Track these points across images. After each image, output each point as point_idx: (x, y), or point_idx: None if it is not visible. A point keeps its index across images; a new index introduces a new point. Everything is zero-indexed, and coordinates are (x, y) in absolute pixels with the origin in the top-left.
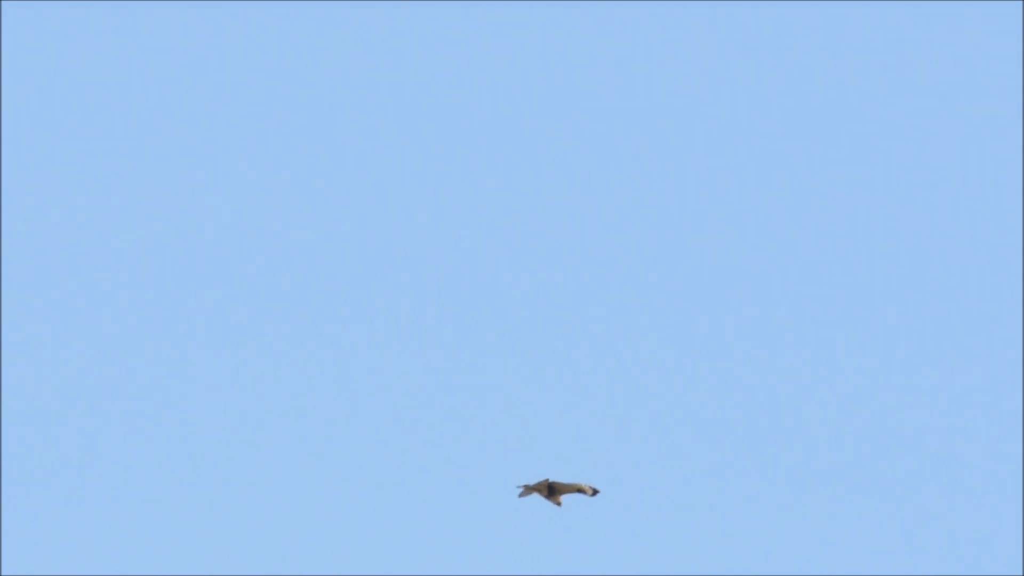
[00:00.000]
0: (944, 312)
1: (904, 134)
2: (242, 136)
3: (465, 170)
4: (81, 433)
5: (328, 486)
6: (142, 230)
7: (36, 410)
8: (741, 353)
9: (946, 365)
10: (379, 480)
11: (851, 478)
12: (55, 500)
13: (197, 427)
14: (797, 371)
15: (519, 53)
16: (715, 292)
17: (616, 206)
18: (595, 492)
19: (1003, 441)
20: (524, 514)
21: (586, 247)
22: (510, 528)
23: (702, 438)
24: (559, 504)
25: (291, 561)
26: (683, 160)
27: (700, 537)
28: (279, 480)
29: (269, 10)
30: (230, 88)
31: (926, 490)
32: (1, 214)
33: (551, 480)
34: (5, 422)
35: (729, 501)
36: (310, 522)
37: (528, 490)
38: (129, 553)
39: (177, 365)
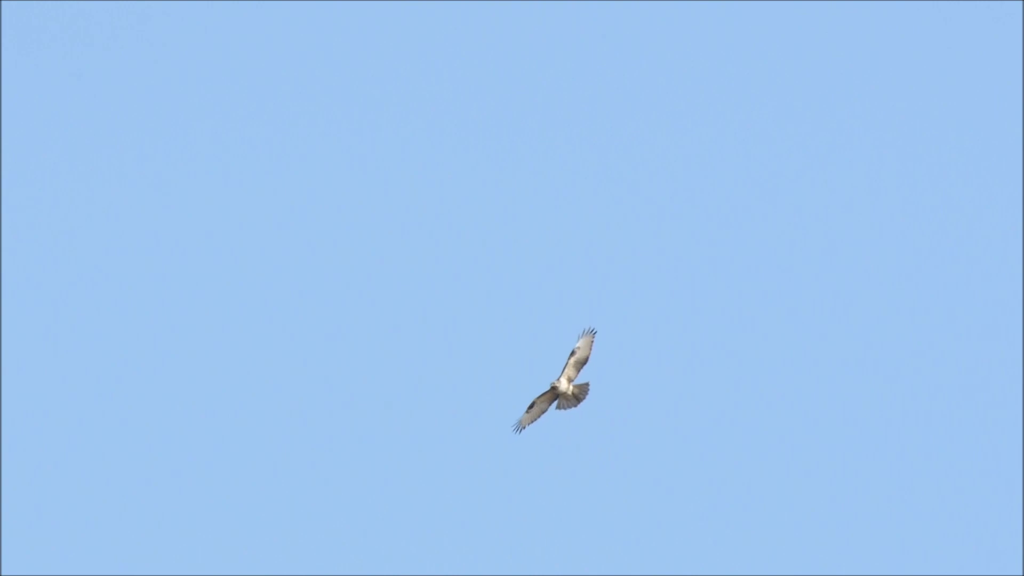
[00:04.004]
0: (945, 311)
1: (904, 133)
2: (239, 135)
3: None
4: (81, 433)
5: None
6: (140, 229)
7: (36, 410)
8: (740, 350)
9: (947, 364)
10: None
11: (852, 477)
12: (55, 500)
13: (196, 426)
14: (796, 370)
15: (519, 53)
16: (716, 294)
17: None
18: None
19: (1003, 441)
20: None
21: (582, 245)
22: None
23: (697, 435)
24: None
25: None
26: (683, 159)
27: (694, 533)
28: (279, 479)
29: (269, 10)
30: (229, 88)
31: (926, 490)
32: (1, 214)
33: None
34: (5, 421)
35: (729, 500)
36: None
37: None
38: (129, 553)
39: (174, 364)
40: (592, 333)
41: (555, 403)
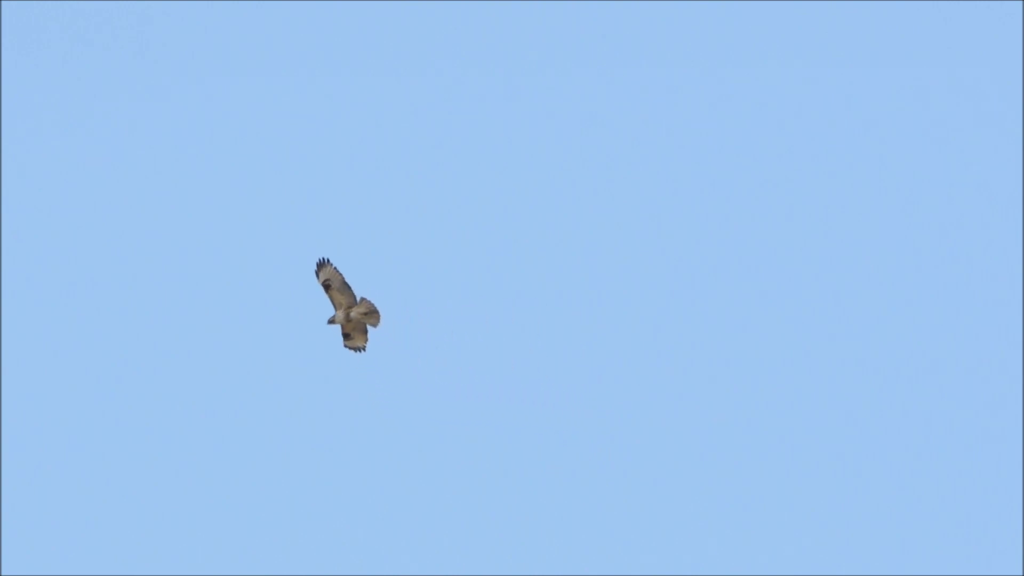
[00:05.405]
0: (945, 312)
1: (903, 134)
2: (239, 135)
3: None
4: (81, 433)
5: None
6: (139, 229)
7: (36, 410)
8: (740, 353)
9: (947, 365)
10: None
11: (852, 478)
12: (55, 500)
13: (196, 425)
14: (798, 369)
15: (519, 55)
16: (715, 291)
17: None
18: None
19: (1003, 441)
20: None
21: (581, 251)
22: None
23: (695, 429)
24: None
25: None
26: (683, 160)
27: (701, 533)
28: (281, 477)
29: (269, 10)
30: (228, 88)
31: (926, 490)
32: (1, 214)
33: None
34: (5, 421)
35: (730, 499)
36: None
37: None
38: (129, 553)
39: (174, 364)
40: (324, 262)
41: (366, 328)
